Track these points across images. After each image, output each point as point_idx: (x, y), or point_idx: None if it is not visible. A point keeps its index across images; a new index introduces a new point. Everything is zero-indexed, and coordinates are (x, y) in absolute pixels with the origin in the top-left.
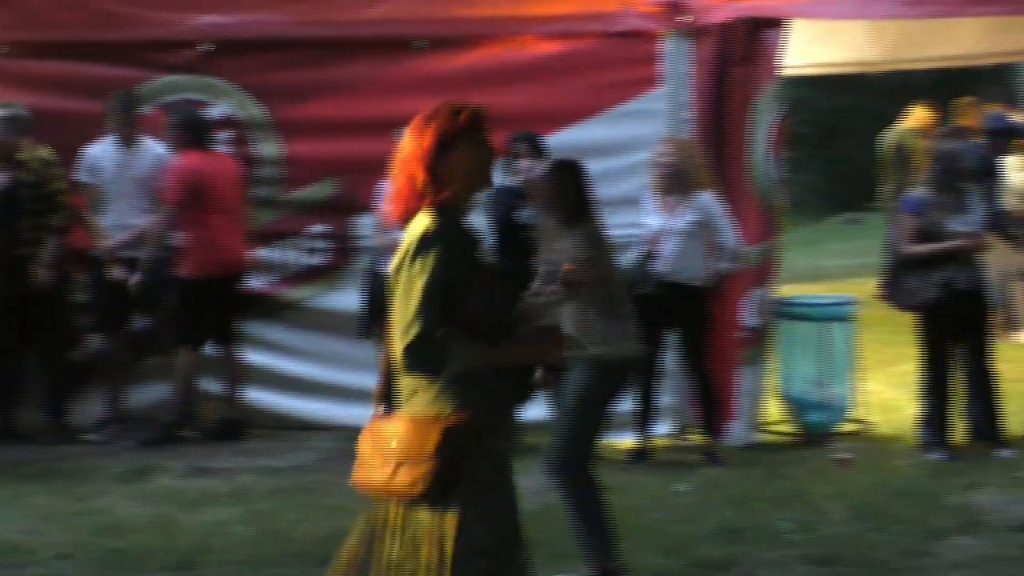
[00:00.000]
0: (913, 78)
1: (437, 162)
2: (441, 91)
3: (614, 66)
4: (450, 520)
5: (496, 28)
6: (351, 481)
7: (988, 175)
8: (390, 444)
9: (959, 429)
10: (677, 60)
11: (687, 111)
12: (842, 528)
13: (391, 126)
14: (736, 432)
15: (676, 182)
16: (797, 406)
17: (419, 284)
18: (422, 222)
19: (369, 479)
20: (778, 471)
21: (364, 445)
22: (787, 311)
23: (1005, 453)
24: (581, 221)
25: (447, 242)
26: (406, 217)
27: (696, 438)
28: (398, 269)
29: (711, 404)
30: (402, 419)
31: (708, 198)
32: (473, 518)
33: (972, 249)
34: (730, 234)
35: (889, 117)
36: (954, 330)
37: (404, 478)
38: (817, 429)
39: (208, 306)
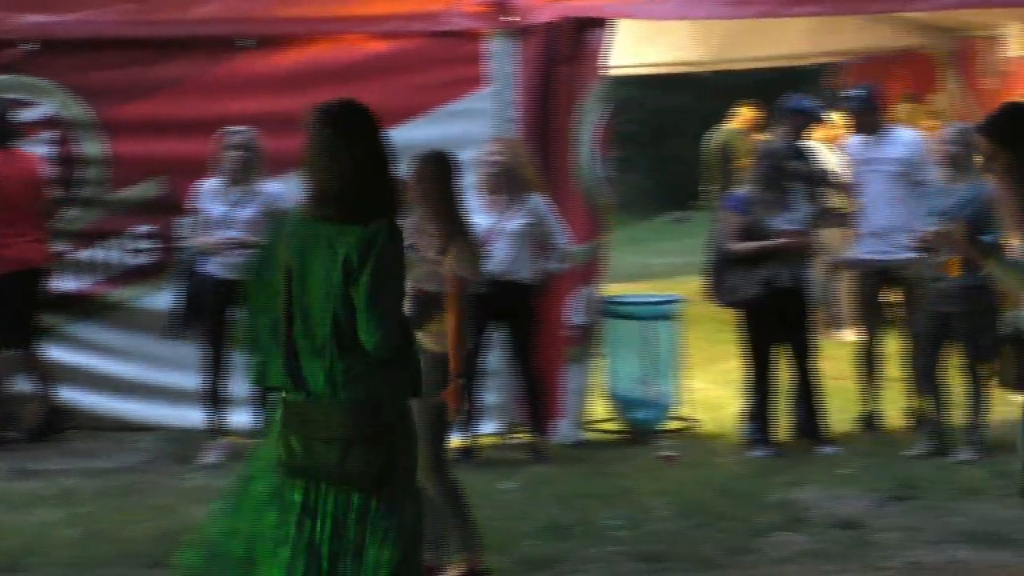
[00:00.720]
0: (739, 78)
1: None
2: (267, 91)
3: (440, 66)
4: (389, 503)
5: (322, 27)
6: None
7: (816, 173)
8: (333, 428)
9: (783, 426)
10: (503, 60)
11: (513, 110)
12: (668, 525)
13: (217, 126)
14: (563, 430)
15: (505, 182)
16: (623, 404)
17: (394, 277)
18: (380, 222)
19: (310, 462)
20: (604, 468)
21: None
22: (613, 310)
23: (827, 450)
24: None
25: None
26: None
27: (523, 436)
28: (363, 264)
29: (538, 402)
30: (347, 404)
31: (538, 198)
32: (410, 503)
33: (796, 247)
34: (559, 234)
35: (715, 117)
36: (777, 327)
37: (356, 461)
38: (643, 427)
39: (5, 305)
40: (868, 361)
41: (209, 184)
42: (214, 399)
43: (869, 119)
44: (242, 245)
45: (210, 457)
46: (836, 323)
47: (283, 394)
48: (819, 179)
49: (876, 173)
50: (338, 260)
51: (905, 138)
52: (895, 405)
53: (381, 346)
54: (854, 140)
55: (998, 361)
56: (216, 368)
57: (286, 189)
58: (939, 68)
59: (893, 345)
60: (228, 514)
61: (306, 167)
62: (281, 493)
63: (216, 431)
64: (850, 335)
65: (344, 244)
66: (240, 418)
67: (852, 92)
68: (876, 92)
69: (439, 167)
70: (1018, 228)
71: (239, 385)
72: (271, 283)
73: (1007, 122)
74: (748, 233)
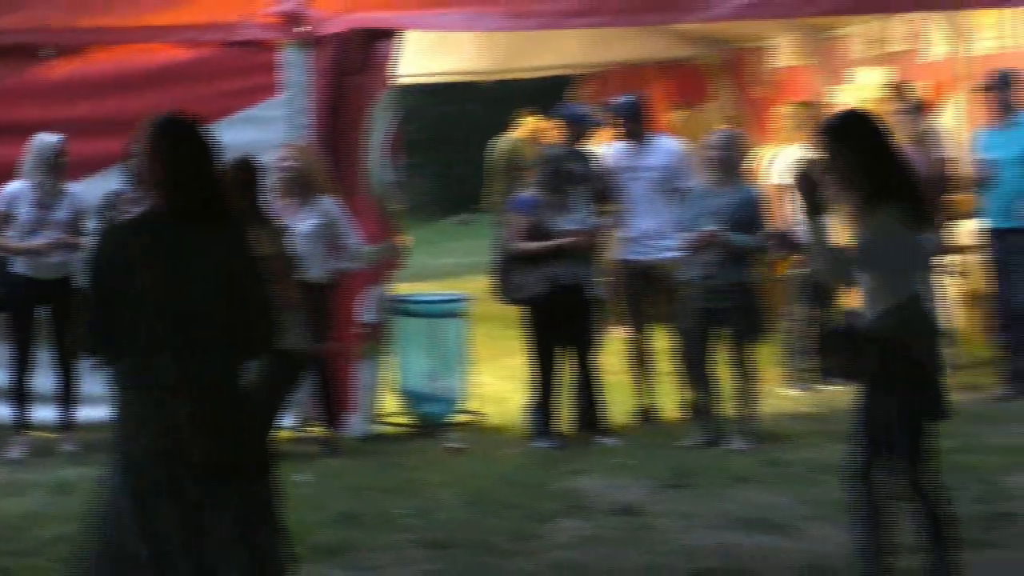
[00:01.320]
0: (519, 86)
1: None
2: (67, 98)
3: (235, 74)
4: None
5: (121, 36)
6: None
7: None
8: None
9: (564, 418)
10: (295, 69)
11: (305, 117)
12: (455, 513)
13: (23, 132)
14: (354, 424)
15: (297, 186)
16: (412, 398)
17: (265, 275)
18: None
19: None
20: (395, 460)
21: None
22: (403, 308)
23: (607, 441)
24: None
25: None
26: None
27: (316, 430)
28: (241, 265)
29: (330, 397)
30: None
31: (329, 201)
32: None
33: (578, 246)
34: (350, 235)
35: (498, 124)
36: (559, 324)
37: (239, 452)
38: (431, 420)
39: None
40: (639, 357)
41: (16, 187)
42: (19, 396)
43: (634, 127)
44: (62, 246)
45: (13, 453)
46: (616, 319)
47: (156, 389)
48: (599, 182)
49: (638, 179)
50: (213, 262)
51: (666, 146)
52: (670, 398)
53: (269, 341)
54: (618, 147)
55: (824, 354)
56: (22, 365)
57: (92, 190)
58: (710, 78)
59: (662, 341)
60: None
61: (152, 174)
62: (167, 485)
63: (20, 427)
64: (623, 332)
65: (215, 246)
66: (44, 414)
67: (619, 101)
68: (641, 101)
69: (244, 171)
70: (849, 224)
71: (43, 381)
72: (123, 285)
73: (846, 124)
74: (533, 233)
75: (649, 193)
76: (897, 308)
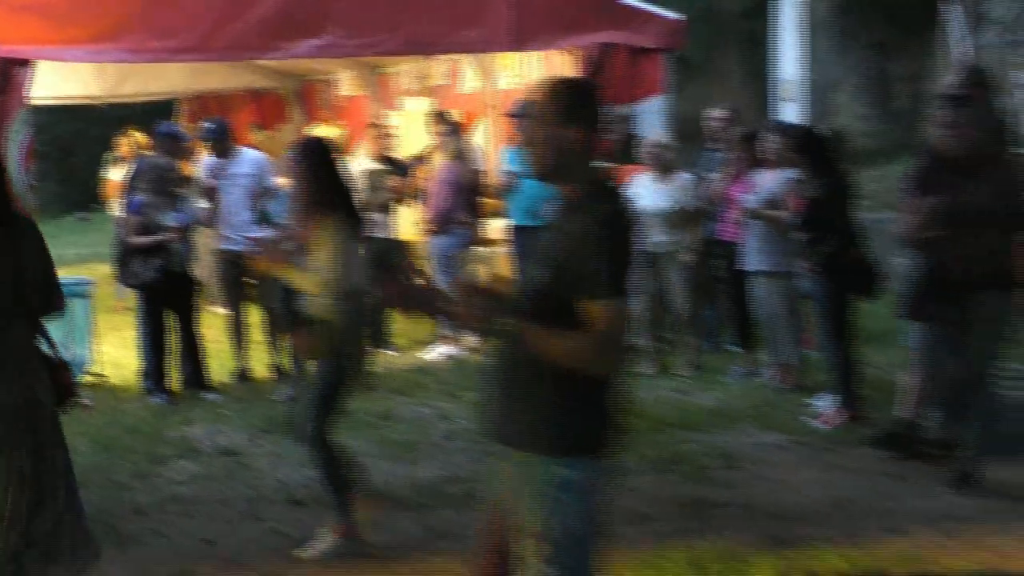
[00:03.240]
0: (129, 107)
1: None
2: None
3: None
4: None
5: None
6: None
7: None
8: None
9: (174, 379)
10: None
11: None
12: (86, 459)
13: None
14: None
15: None
16: None
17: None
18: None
19: None
20: None
21: None
22: None
23: (211, 396)
24: None
25: None
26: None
27: None
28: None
29: None
30: None
31: None
32: None
33: (178, 239)
34: None
35: (110, 138)
36: (168, 302)
37: None
38: None
39: None
40: (236, 329)
41: None
42: None
43: (221, 144)
44: None
45: None
46: (215, 299)
47: None
48: (191, 186)
49: (231, 185)
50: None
51: (251, 157)
52: (261, 362)
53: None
54: (208, 160)
55: (292, 335)
56: None
57: None
58: (287, 104)
59: (254, 316)
60: None
61: None
62: None
63: None
64: (222, 309)
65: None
66: None
67: (207, 123)
68: (226, 123)
69: None
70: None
71: None
72: None
73: (304, 148)
74: (144, 229)
75: (240, 195)
76: (340, 296)
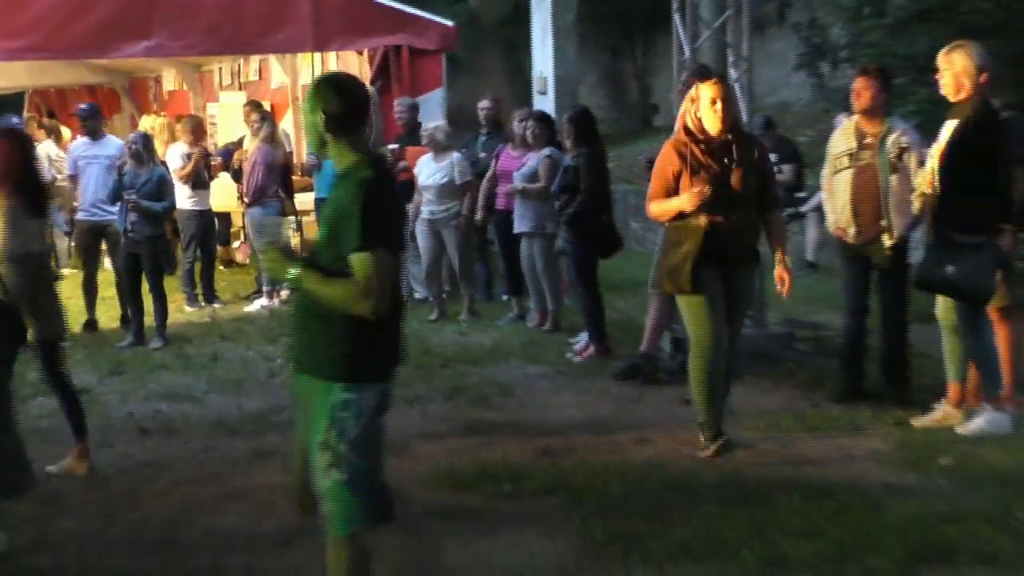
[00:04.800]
0: None
1: None
2: None
3: None
4: None
5: None
6: None
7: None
8: None
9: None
10: None
11: None
12: None
13: None
14: None
15: None
16: None
17: None
18: None
19: None
20: None
21: None
22: None
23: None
24: None
25: None
26: None
27: None
28: None
29: None
30: None
31: None
32: None
33: None
34: None
35: None
36: None
37: None
38: None
39: None
40: (89, 287)
41: None
42: None
43: (93, 126)
44: None
45: None
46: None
47: None
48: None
49: (93, 164)
50: None
51: (114, 142)
52: (109, 315)
53: None
54: (80, 141)
55: None
56: None
57: None
58: (119, 97)
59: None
60: None
61: None
62: None
63: None
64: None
65: None
66: None
67: (82, 107)
68: (98, 108)
69: None
70: None
71: None
72: None
73: None
74: None
75: (100, 174)
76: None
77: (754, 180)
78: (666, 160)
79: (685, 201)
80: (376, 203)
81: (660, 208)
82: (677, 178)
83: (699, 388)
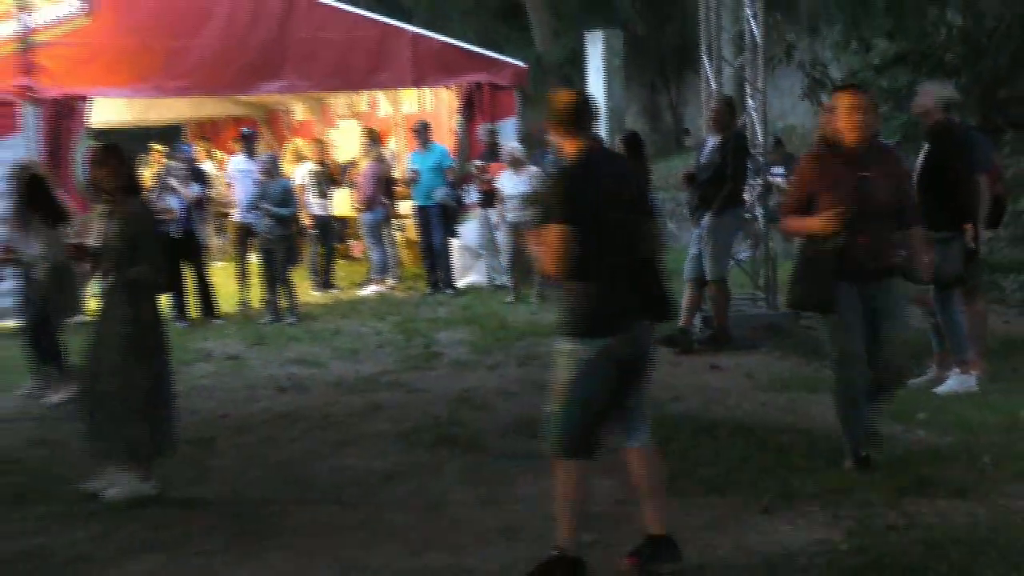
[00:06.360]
0: (152, 129)
1: None
2: None
3: None
4: None
5: None
6: None
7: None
8: None
9: (192, 308)
10: (30, 117)
11: (37, 144)
12: None
13: None
14: None
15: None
16: None
17: None
18: None
19: None
20: None
21: None
22: None
23: (218, 321)
24: None
25: None
26: None
27: None
28: None
29: None
30: None
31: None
32: None
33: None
34: None
35: (137, 151)
36: (184, 258)
37: None
38: None
39: None
40: (241, 274)
41: None
42: None
43: (251, 147)
44: None
45: None
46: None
47: None
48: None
49: (248, 177)
50: None
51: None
52: (256, 298)
53: None
54: (238, 157)
55: None
56: None
57: None
58: (261, 127)
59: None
60: None
61: None
62: None
63: None
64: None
65: None
66: None
67: (245, 131)
68: (256, 133)
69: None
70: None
71: None
72: None
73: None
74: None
75: (252, 185)
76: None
77: (891, 192)
78: (804, 172)
79: (820, 224)
80: (567, 186)
81: (796, 225)
82: (814, 191)
83: (840, 406)
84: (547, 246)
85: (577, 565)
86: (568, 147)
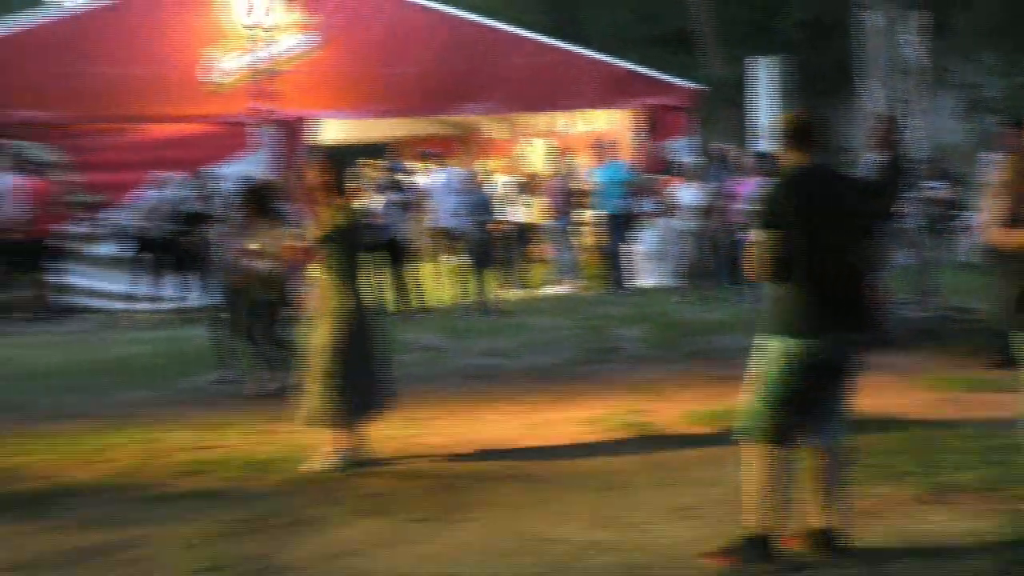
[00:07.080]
0: (362, 146)
1: None
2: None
3: (233, 138)
4: None
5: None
6: None
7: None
8: None
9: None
10: (266, 137)
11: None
12: None
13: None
14: None
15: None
16: None
17: None
18: None
19: None
20: None
21: None
22: None
23: (418, 316)
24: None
25: None
26: None
27: None
28: None
29: None
30: None
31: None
32: None
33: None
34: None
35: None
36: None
37: None
38: None
39: None
40: (441, 275)
41: None
42: None
43: (440, 162)
44: None
45: None
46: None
47: None
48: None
49: (447, 188)
50: None
51: (455, 172)
52: (452, 295)
53: None
54: (437, 172)
55: None
56: None
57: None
58: (458, 144)
59: (452, 268)
60: None
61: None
62: None
63: None
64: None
65: None
66: None
67: (427, 152)
68: (436, 154)
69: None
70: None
71: None
72: None
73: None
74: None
75: (447, 193)
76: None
77: None
78: (1012, 176)
79: None
80: (780, 195)
81: (1006, 239)
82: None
83: None
84: (758, 248)
85: (767, 545)
86: (791, 161)
